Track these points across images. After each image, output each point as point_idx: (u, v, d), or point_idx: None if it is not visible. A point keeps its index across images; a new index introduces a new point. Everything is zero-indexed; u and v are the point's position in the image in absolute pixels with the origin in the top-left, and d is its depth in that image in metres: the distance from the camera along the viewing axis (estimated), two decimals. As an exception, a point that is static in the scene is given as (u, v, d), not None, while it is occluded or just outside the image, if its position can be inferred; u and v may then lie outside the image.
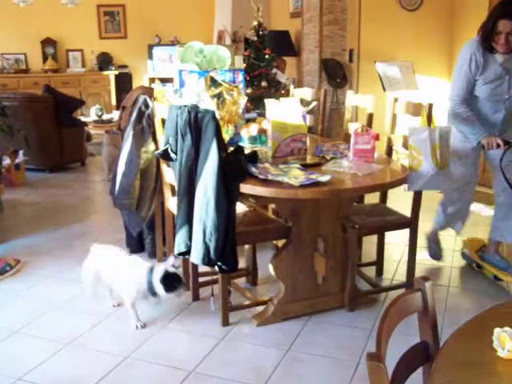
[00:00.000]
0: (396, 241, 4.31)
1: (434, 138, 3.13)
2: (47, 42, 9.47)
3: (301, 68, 7.06)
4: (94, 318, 3.26)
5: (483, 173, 6.08)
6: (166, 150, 3.16)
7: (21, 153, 6.36)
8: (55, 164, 7.01)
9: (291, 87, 4.91)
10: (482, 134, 3.44)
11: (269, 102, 3.41)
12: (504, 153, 3.38)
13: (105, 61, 9.75)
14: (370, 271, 3.85)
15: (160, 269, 3.01)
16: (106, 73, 9.68)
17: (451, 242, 4.43)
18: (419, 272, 3.77)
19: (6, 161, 5.89)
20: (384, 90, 6.10)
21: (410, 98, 3.88)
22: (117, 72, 9.76)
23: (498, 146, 3.39)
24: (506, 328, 1.42)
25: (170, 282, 3.00)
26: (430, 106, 3.45)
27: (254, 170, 2.94)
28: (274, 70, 5.55)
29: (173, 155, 3.12)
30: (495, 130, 3.53)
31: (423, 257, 4.05)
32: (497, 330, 1.42)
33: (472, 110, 3.49)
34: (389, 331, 1.41)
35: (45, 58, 9.46)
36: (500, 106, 3.50)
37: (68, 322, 3.24)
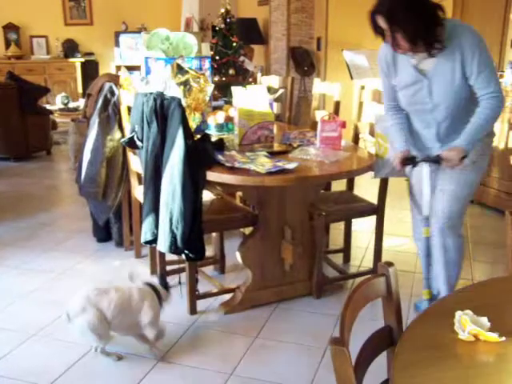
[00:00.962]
0: (363, 228, 4.35)
1: (400, 125, 3.15)
2: (10, 28, 9.26)
3: (268, 56, 7.05)
4: (59, 308, 3.21)
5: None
6: (131, 138, 3.13)
7: (-16, 141, 6.24)
8: (20, 153, 6.89)
9: (259, 75, 4.90)
10: (399, 149, 2.90)
11: (236, 90, 3.40)
12: (411, 170, 2.97)
13: (70, 48, 9.58)
14: (338, 258, 3.88)
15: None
16: (71, 60, 9.52)
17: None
18: (386, 258, 3.79)
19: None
20: (351, 78, 6.13)
21: (376, 86, 3.89)
22: (83, 59, 9.61)
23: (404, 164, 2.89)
24: (467, 311, 1.45)
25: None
26: (396, 93, 3.47)
27: (220, 157, 2.93)
28: (242, 58, 5.54)
29: (139, 143, 3.09)
30: (436, 149, 2.84)
31: (389, 243, 4.10)
32: (458, 313, 1.44)
33: (400, 119, 2.93)
34: (353, 316, 1.42)
35: (7, 44, 9.26)
36: (428, 119, 2.80)
37: (33, 313, 3.20)
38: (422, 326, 1.49)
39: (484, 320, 1.43)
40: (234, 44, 5.44)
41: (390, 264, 1.60)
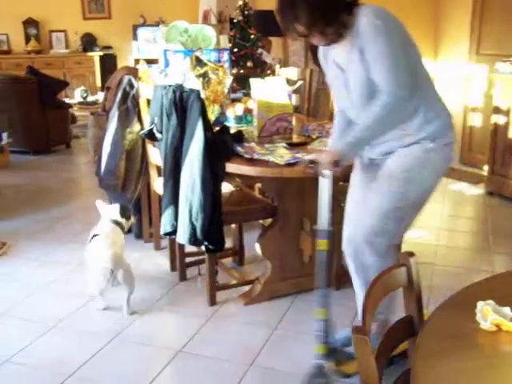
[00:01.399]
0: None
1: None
2: (29, 23, 9.32)
3: (286, 48, 7.02)
4: (79, 300, 3.26)
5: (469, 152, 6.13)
6: (151, 131, 3.14)
7: (4, 135, 6.30)
8: (39, 146, 6.94)
9: (277, 67, 4.89)
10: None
11: (254, 82, 3.40)
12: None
13: (89, 42, 9.62)
14: (357, 250, 3.87)
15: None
16: (90, 54, 9.56)
17: (436, 218, 4.47)
18: (404, 249, 3.78)
19: (-10, 143, 5.84)
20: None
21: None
22: (101, 53, 9.64)
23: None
24: (489, 301, 1.44)
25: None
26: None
27: (239, 149, 2.93)
28: (260, 50, 5.52)
29: (158, 135, 3.11)
30: (365, 151, 2.52)
31: (407, 234, 4.07)
32: (480, 303, 1.44)
33: (337, 120, 2.63)
34: (374, 305, 1.42)
35: (27, 39, 9.33)
36: (353, 118, 2.45)
37: (53, 305, 3.24)
38: (443, 316, 1.49)
39: (507, 310, 1.42)
40: (252, 36, 5.42)
41: (410, 254, 1.60)
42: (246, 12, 5.48)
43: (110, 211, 3.38)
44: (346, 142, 2.31)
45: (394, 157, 2.37)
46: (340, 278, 3.36)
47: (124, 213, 3.39)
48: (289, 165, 2.73)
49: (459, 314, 1.48)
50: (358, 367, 1.26)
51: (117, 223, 3.30)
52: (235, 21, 5.50)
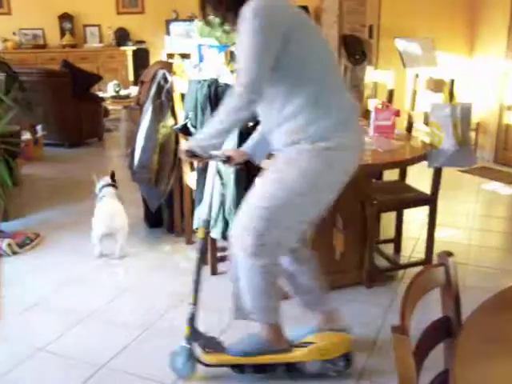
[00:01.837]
0: (413, 218, 4.28)
1: (456, 114, 3.10)
2: (64, 18, 9.44)
3: (319, 44, 6.98)
4: (112, 291, 3.30)
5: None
6: (185, 125, 3.16)
7: (39, 128, 6.40)
8: (73, 139, 7.04)
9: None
10: None
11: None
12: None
13: (122, 36, 9.70)
14: (388, 248, 3.84)
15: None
16: (123, 48, 9.65)
17: (468, 218, 4.41)
18: (437, 249, 3.73)
19: (26, 135, 5.92)
20: (404, 66, 6.03)
21: (430, 75, 3.82)
22: (134, 47, 9.71)
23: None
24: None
25: None
26: (452, 82, 3.40)
27: (273, 145, 2.92)
28: (293, 46, 5.50)
29: (192, 130, 3.12)
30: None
31: (441, 234, 4.03)
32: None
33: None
34: (412, 305, 1.41)
35: (62, 34, 9.45)
36: None
37: (86, 296, 3.28)
38: (482, 317, 1.46)
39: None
40: (286, 32, 5.41)
41: (449, 254, 1.58)
42: (279, 7, 5.45)
43: (105, 179, 4.09)
44: (201, 133, 2.32)
45: (276, 155, 2.35)
46: (371, 277, 3.33)
47: (113, 177, 4.13)
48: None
49: (499, 316, 1.46)
50: (397, 366, 1.24)
51: (112, 185, 4.04)
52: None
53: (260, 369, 2.49)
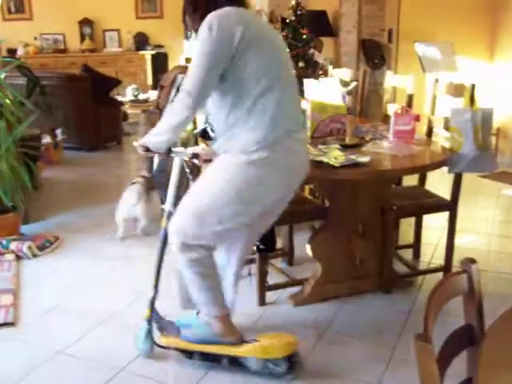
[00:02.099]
0: (432, 224, 4.25)
1: (477, 119, 3.07)
2: (85, 23, 9.53)
3: (338, 48, 6.98)
4: (131, 295, 3.31)
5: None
6: (205, 129, 3.16)
7: (59, 131, 6.45)
8: (92, 143, 7.08)
9: (329, 67, 4.86)
10: None
11: (308, 82, 3.39)
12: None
13: (141, 41, 9.77)
14: (407, 254, 3.82)
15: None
16: (142, 52, 9.70)
17: (488, 224, 4.37)
18: (457, 255, 3.71)
19: (46, 139, 5.98)
20: (424, 71, 6.00)
21: (450, 80, 3.80)
22: (153, 52, 9.77)
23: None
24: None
25: None
26: (473, 86, 3.38)
27: (293, 149, 2.92)
28: (312, 51, 5.50)
29: (212, 134, 3.12)
30: None
31: (460, 240, 4.00)
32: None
33: None
34: (435, 312, 1.39)
35: (82, 38, 9.53)
36: None
37: (106, 299, 3.30)
38: (505, 325, 1.45)
39: None
40: (304, 36, 5.41)
41: (472, 261, 1.56)
42: (298, 12, 5.46)
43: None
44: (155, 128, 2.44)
45: (216, 159, 2.46)
46: (391, 282, 3.32)
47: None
48: (344, 167, 2.70)
49: (523, 324, 1.44)
50: (420, 374, 1.23)
51: (143, 176, 4.28)
52: (288, 21, 5.49)
53: (207, 357, 2.60)
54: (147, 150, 2.44)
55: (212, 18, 2.23)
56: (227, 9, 2.29)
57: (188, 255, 2.40)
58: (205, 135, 3.21)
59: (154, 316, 2.67)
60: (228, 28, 2.22)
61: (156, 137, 2.41)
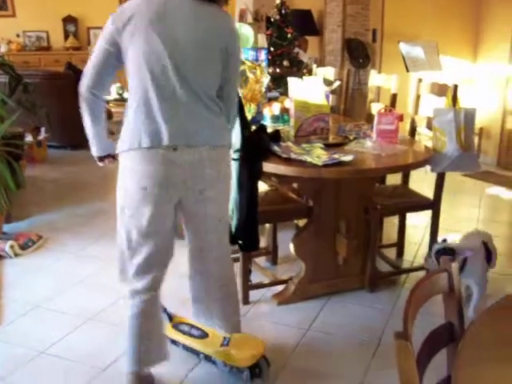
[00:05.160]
0: (416, 223, 4.28)
1: (459, 119, 3.10)
2: (68, 20, 9.46)
3: (323, 47, 7.00)
4: (114, 294, 3.28)
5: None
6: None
7: (43, 130, 6.40)
8: (76, 141, 7.01)
9: (314, 66, 4.87)
10: None
11: (292, 81, 3.39)
12: None
13: (125, 39, 9.73)
14: (391, 253, 3.84)
15: None
16: (126, 51, 9.65)
17: (471, 223, 4.40)
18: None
19: (28, 137, 5.92)
20: (407, 70, 6.02)
21: (434, 79, 3.82)
22: (137, 50, 9.73)
23: None
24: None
25: None
26: (456, 86, 3.39)
27: (276, 148, 2.93)
28: (296, 50, 5.50)
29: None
30: None
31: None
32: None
33: None
34: (415, 311, 1.40)
35: (66, 36, 9.47)
36: None
37: (89, 298, 3.28)
38: (486, 322, 1.46)
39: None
40: (289, 35, 5.41)
41: (452, 260, 1.57)
42: (283, 11, 5.46)
43: None
44: None
45: None
46: (374, 281, 3.33)
47: None
48: (326, 165, 2.71)
49: (502, 322, 1.45)
50: (399, 373, 1.24)
51: None
52: (272, 20, 5.49)
53: (188, 349, 2.68)
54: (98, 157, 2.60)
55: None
56: None
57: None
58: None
59: None
60: (117, 21, 2.38)
61: (91, 144, 2.57)
